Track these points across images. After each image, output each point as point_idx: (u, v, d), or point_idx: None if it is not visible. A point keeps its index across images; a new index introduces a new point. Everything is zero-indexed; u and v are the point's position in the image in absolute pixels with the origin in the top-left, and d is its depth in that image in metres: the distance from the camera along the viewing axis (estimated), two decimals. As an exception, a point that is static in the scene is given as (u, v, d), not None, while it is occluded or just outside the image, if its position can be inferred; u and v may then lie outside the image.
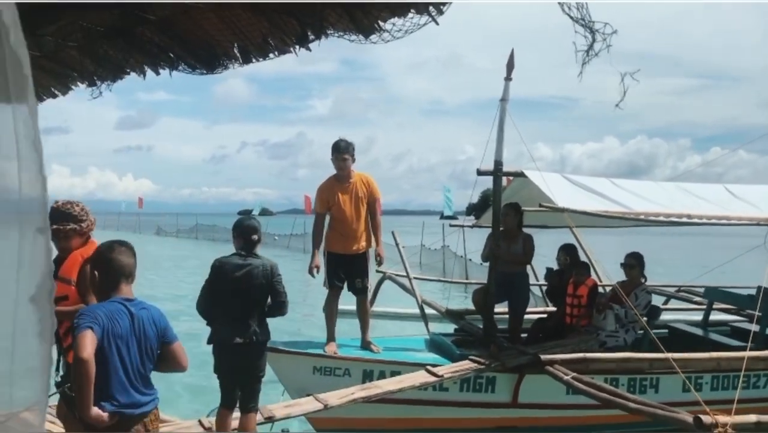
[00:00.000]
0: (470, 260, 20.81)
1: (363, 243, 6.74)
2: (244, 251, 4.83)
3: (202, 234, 52.92)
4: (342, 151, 6.58)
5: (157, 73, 4.35)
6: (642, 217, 6.68)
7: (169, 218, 68.59)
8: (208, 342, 4.89)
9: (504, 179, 6.93)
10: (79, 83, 4.99)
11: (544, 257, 8.98)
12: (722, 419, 4.63)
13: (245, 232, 4.86)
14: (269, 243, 39.96)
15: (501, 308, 7.53)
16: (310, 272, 6.65)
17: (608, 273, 8.19)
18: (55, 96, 5.33)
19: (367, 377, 6.30)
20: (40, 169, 1.35)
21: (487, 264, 7.15)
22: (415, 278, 9.27)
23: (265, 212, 61.58)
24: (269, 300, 4.85)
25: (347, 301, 6.99)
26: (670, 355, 5.94)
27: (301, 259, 29.80)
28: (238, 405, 4.96)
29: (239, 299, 4.76)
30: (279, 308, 4.85)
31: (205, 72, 4.16)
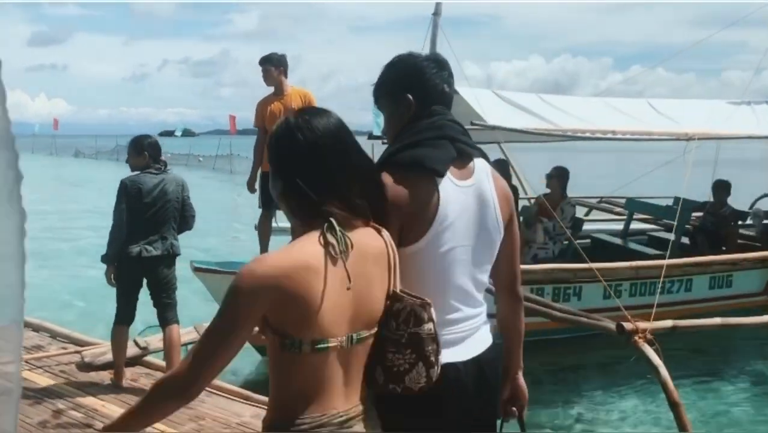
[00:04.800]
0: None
1: None
2: (159, 167, 4.94)
3: (123, 156, 51.06)
4: (262, 62, 6.48)
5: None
6: (569, 133, 6.83)
7: (87, 139, 65.74)
8: (112, 261, 4.85)
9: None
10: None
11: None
12: (642, 325, 4.88)
13: (155, 148, 5.01)
14: (194, 165, 39.05)
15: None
16: (249, 186, 6.69)
17: (535, 188, 8.42)
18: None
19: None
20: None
21: None
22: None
23: (187, 133, 59.69)
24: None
25: (280, 219, 6.94)
26: (593, 265, 6.19)
27: (227, 180, 29.31)
28: (159, 321, 5.02)
29: (157, 214, 4.85)
30: (189, 221, 5.06)
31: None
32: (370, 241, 1.71)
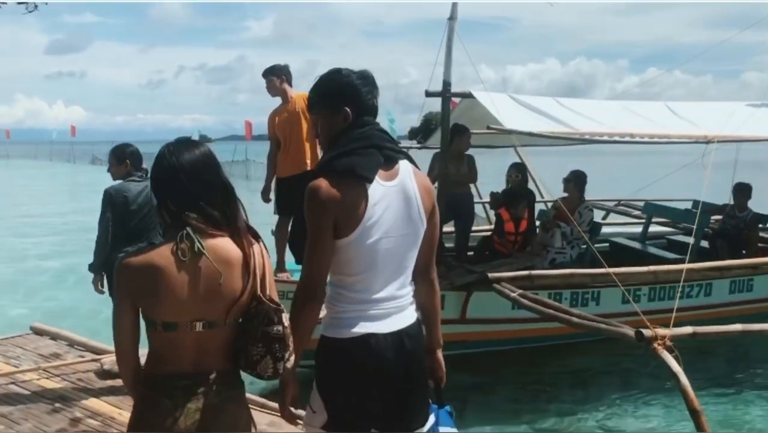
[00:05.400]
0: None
1: (308, 161, 6.48)
2: (141, 175, 5.00)
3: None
4: (264, 75, 6.50)
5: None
6: (587, 137, 6.76)
7: (103, 146, 66.22)
8: (99, 270, 4.91)
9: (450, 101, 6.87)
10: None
11: (488, 178, 9.07)
12: (661, 331, 4.81)
13: (136, 157, 5.08)
14: (210, 170, 39.12)
15: (447, 228, 7.60)
16: (262, 196, 6.62)
17: (551, 191, 8.36)
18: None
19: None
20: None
21: None
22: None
23: (203, 139, 60.05)
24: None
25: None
26: (611, 270, 6.13)
27: (243, 186, 29.41)
28: None
29: (143, 221, 4.90)
30: None
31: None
32: (226, 246, 2.10)
